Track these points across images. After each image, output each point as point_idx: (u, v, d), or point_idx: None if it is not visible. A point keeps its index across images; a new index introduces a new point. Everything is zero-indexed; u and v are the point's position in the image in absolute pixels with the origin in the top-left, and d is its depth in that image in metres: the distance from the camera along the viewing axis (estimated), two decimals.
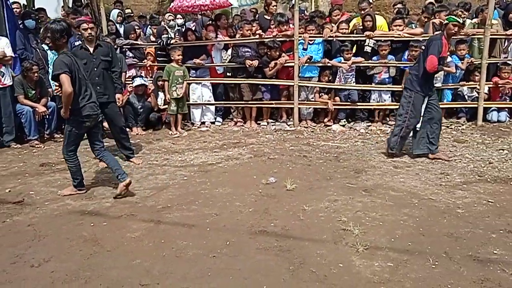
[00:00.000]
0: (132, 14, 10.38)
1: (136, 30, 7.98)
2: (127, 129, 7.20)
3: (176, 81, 7.10)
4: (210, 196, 4.36)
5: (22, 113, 6.44)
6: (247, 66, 7.25)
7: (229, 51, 7.75)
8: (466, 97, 7.12)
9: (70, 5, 8.99)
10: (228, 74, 7.77)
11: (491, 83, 6.99)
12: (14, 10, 7.23)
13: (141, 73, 7.95)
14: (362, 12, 7.45)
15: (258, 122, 7.60)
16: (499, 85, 6.96)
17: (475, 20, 7.16)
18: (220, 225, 3.72)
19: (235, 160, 5.57)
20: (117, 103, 5.55)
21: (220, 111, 8.00)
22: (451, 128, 6.84)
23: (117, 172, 4.34)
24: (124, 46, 7.74)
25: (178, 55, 7.14)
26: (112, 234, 3.57)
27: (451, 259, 3.08)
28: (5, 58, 6.27)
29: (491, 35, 6.79)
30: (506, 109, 7.11)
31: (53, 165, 5.56)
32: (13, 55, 6.48)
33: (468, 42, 7.19)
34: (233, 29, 8.04)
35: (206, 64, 7.70)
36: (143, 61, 7.96)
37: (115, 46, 7.49)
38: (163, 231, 3.60)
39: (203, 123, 7.72)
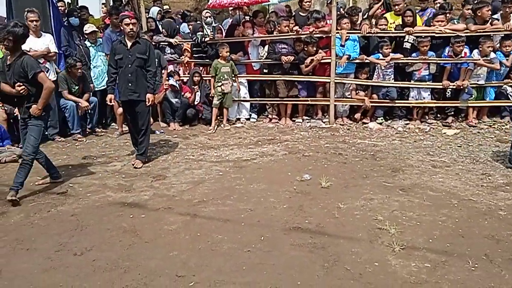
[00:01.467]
0: (170, 10, 10.58)
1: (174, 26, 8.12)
2: (166, 124, 7.47)
3: (222, 77, 7.22)
4: (244, 191, 4.41)
5: (66, 108, 6.70)
6: (283, 62, 7.24)
7: (266, 47, 7.77)
8: (509, 95, 6.83)
9: (111, 3, 9.25)
10: (264, 70, 7.79)
11: None
12: (59, 8, 7.51)
13: (179, 69, 8.09)
14: (396, 7, 7.27)
15: (293, 119, 7.58)
16: None
17: None
18: (255, 220, 3.75)
19: (269, 156, 5.59)
20: (147, 102, 5.31)
21: (255, 108, 8.04)
22: (494, 128, 6.59)
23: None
24: (162, 43, 7.89)
25: (226, 52, 7.23)
26: (150, 226, 3.68)
27: (492, 262, 2.99)
28: (50, 54, 6.53)
29: None
30: None
31: (95, 158, 5.77)
32: (57, 51, 6.74)
33: None
34: (270, 25, 8.05)
35: (242, 60, 7.75)
36: (181, 58, 8.09)
37: (153, 43, 7.69)
38: (199, 225, 3.68)
39: (238, 119, 7.78)
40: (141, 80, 5.30)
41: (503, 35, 6.78)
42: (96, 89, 7.24)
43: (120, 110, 6.88)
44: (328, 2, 8.98)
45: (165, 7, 10.33)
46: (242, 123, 7.62)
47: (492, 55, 6.67)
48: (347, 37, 7.11)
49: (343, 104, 7.39)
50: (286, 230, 3.55)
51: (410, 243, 3.27)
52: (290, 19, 7.71)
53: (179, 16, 9.76)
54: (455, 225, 3.55)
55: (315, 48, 7.17)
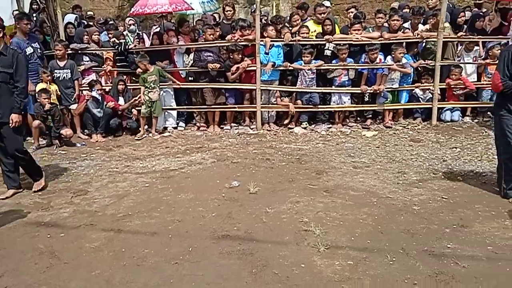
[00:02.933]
0: (94, 17, 10.17)
1: (93, 35, 7.80)
2: (87, 136, 7.14)
3: (149, 86, 7.14)
4: (172, 202, 4.33)
5: None
6: (210, 69, 7.25)
7: (191, 55, 7.72)
8: (420, 98, 7.38)
9: (28, 10, 8.67)
10: (190, 78, 7.72)
11: (444, 84, 7.27)
12: None
13: (101, 78, 7.80)
14: (318, 16, 7.58)
15: (221, 126, 7.59)
16: (452, 86, 7.26)
17: (427, 26, 7.42)
18: (183, 231, 3.69)
19: (198, 165, 5.54)
20: (11, 125, 4.42)
21: (183, 116, 7.94)
22: (408, 128, 7.06)
23: None
24: (80, 51, 7.56)
25: (144, 65, 7.11)
26: (70, 245, 3.48)
27: (408, 255, 3.18)
28: None
29: (443, 38, 7.07)
30: (459, 109, 7.41)
31: None
32: None
33: (422, 45, 7.45)
34: (195, 34, 8.02)
35: (168, 68, 7.64)
36: (102, 66, 7.80)
37: (70, 51, 7.36)
38: (123, 240, 3.54)
39: (165, 128, 7.64)
40: (5, 98, 4.44)
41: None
42: None
43: (36, 122, 6.49)
44: (252, 11, 9.15)
45: (89, 13, 9.91)
46: (169, 132, 7.48)
47: (404, 60, 7.17)
48: (271, 45, 7.27)
49: (270, 110, 7.54)
50: (215, 239, 3.53)
51: (334, 242, 3.40)
52: (216, 28, 7.74)
53: (99, 24, 9.40)
54: (375, 222, 3.74)
55: (240, 56, 7.26)
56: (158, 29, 8.51)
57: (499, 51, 7.16)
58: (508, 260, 3.05)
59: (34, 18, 8.40)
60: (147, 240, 3.53)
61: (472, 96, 7.46)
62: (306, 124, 7.41)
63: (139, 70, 7.37)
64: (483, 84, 7.36)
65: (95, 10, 12.54)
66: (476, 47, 7.43)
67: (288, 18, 8.22)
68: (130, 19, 8.38)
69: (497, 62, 7.08)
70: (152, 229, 3.72)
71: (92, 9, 11.79)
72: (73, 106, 7.24)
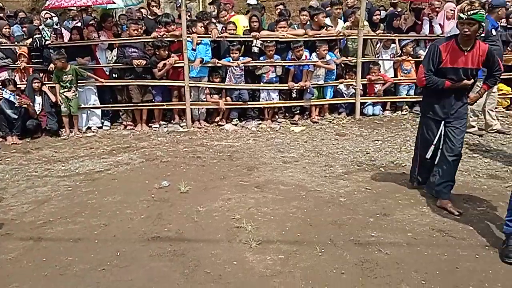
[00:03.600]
0: (4, 7, 9.39)
1: (5, 29, 7.20)
2: (1, 139, 6.59)
3: (65, 85, 6.83)
4: (98, 206, 4.13)
5: None
6: (135, 66, 7.00)
7: (115, 51, 7.41)
8: (344, 94, 7.71)
9: None
10: (114, 75, 7.40)
11: (366, 80, 7.65)
12: None
13: (15, 76, 7.22)
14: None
15: (150, 124, 7.38)
16: (372, 82, 7.65)
17: (347, 23, 7.75)
18: (110, 235, 3.54)
19: (125, 165, 5.34)
20: None
21: (108, 115, 7.60)
22: (333, 123, 7.33)
23: None
24: None
25: (61, 63, 6.73)
26: None
27: (336, 245, 3.31)
28: None
29: (363, 36, 7.43)
30: (380, 103, 7.84)
31: None
32: None
33: (344, 43, 7.77)
34: (118, 29, 7.70)
35: (90, 65, 7.27)
36: (16, 63, 7.23)
37: None
38: (44, 249, 3.32)
39: (89, 128, 7.27)
40: None
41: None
42: None
43: None
44: (178, 6, 8.99)
45: None
46: (93, 131, 7.13)
47: (328, 57, 7.43)
48: (199, 41, 7.18)
49: (199, 107, 7.46)
50: (144, 241, 3.43)
51: (265, 237, 3.44)
52: (140, 23, 7.48)
53: (8, 17, 8.70)
54: (304, 215, 3.84)
55: (167, 52, 7.10)
56: (79, 24, 8.06)
57: (411, 48, 7.68)
58: (426, 244, 3.27)
59: None
60: (71, 247, 3.34)
61: (391, 91, 7.92)
62: (236, 120, 7.43)
63: (51, 66, 6.98)
64: (400, 79, 7.84)
65: (6, 2, 11.62)
66: (393, 45, 7.88)
67: (216, 13, 8.19)
68: (47, 12, 7.84)
69: (410, 59, 7.71)
70: (76, 235, 3.53)
71: (3, 1, 10.89)
72: None
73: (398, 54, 7.82)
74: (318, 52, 7.38)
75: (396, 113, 7.78)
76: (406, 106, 7.98)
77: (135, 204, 4.14)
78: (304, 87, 7.34)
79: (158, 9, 8.25)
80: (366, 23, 7.58)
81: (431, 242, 3.32)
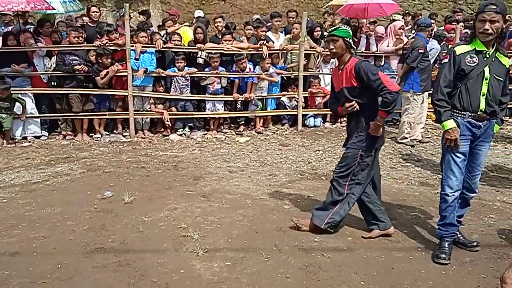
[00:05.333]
0: None
1: None
2: None
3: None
4: (36, 218, 3.96)
5: None
6: (76, 73, 6.81)
7: (54, 59, 7.15)
8: (286, 106, 7.95)
9: None
10: (53, 83, 7.13)
11: (307, 93, 7.94)
12: None
13: None
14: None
15: (91, 134, 7.17)
16: (313, 94, 7.96)
17: (288, 36, 8.04)
18: (50, 248, 3.41)
19: (65, 176, 5.16)
20: None
21: (46, 124, 7.28)
22: (277, 134, 7.54)
23: None
24: None
25: (1, 92, 6.55)
26: None
27: (281, 251, 3.41)
28: None
29: (305, 50, 7.73)
30: (320, 115, 8.16)
31: None
32: None
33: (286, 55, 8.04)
34: (58, 35, 7.45)
35: (26, 72, 6.96)
36: None
37: None
38: None
39: (25, 138, 6.92)
40: None
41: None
42: None
43: None
44: (121, 15, 8.85)
45: None
46: (29, 141, 6.80)
47: (271, 70, 7.65)
48: (144, 51, 7.12)
49: (143, 117, 7.36)
50: (88, 253, 3.34)
51: (212, 245, 3.48)
52: (80, 30, 7.29)
53: None
54: (250, 223, 3.92)
55: (110, 60, 6.97)
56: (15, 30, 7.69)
57: None
58: (365, 248, 3.47)
59: None
60: (8, 261, 3.18)
61: None
62: (181, 131, 7.41)
63: None
64: None
65: None
66: (332, 60, 8.25)
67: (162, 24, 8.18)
68: None
69: None
70: (13, 249, 3.37)
71: None
72: None
73: None
74: (261, 65, 7.57)
75: (335, 125, 8.13)
76: (345, 118, 8.35)
77: (77, 215, 4.01)
78: (249, 99, 7.49)
79: (99, 17, 8.08)
80: (308, 37, 7.90)
81: (369, 245, 3.52)
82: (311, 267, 3.18)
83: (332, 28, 3.54)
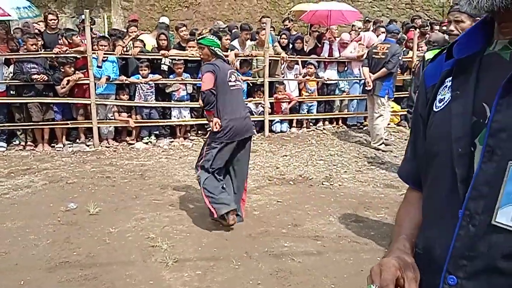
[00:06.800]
0: None
1: None
2: None
3: None
4: None
5: None
6: (35, 81, 6.58)
7: (11, 67, 6.89)
8: (253, 112, 7.98)
9: None
10: (11, 92, 6.87)
11: (273, 99, 8.01)
12: None
13: None
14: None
15: (52, 144, 6.94)
16: (279, 100, 8.04)
17: (253, 42, 8.10)
18: (11, 264, 3.28)
19: (26, 188, 4.97)
20: None
21: (4, 135, 6.99)
22: None
23: None
24: None
25: None
26: None
27: (251, 258, 3.42)
28: None
29: (269, 57, 7.80)
30: (287, 121, 8.25)
31: None
32: None
33: (251, 62, 8.08)
34: (15, 43, 7.18)
35: None
36: None
37: None
38: None
39: None
40: None
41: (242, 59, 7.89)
42: None
43: None
44: (80, 21, 8.64)
45: None
46: None
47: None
48: (105, 58, 6.98)
49: (107, 125, 7.20)
50: (52, 268, 3.23)
51: (182, 255, 3.44)
52: (38, 37, 7.06)
53: None
54: (220, 230, 3.91)
55: (72, 69, 6.79)
56: None
57: (310, 69, 8.21)
58: (334, 251, 3.53)
59: None
60: None
61: (296, 109, 8.38)
62: (147, 139, 7.30)
63: None
64: (304, 98, 8.33)
65: None
66: (296, 66, 8.38)
67: (125, 30, 8.06)
68: None
69: (312, 78, 8.25)
70: None
71: None
72: None
73: (302, 75, 8.33)
74: None
75: (301, 130, 8.23)
76: (311, 123, 8.49)
77: (39, 229, 3.88)
78: None
79: (57, 24, 7.86)
80: (277, 44, 7.98)
81: (338, 248, 3.58)
82: (281, 272, 3.20)
83: (200, 37, 4.14)
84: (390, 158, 6.42)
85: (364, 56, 7.54)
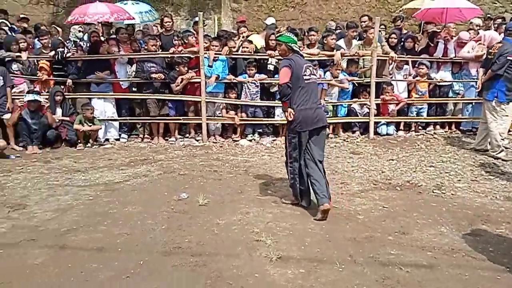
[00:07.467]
0: (28, 18, 9.63)
1: (20, 42, 7.34)
2: (22, 148, 6.72)
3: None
4: (119, 215, 4.20)
5: None
6: (154, 79, 7.16)
7: (134, 66, 7.58)
8: (357, 113, 7.79)
9: None
10: (133, 89, 7.58)
11: (379, 100, 7.73)
12: None
13: (35, 87, 7.39)
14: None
15: (166, 138, 7.50)
16: (386, 102, 7.73)
17: (360, 42, 7.88)
18: (132, 245, 3.60)
19: (144, 177, 5.42)
20: None
21: (125, 127, 7.74)
22: (347, 141, 7.40)
23: None
24: (7, 58, 7.15)
25: (90, 113, 7.01)
26: (11, 262, 3.27)
27: (356, 262, 3.34)
28: None
29: (377, 56, 7.53)
30: (393, 123, 7.90)
31: None
32: None
33: (357, 61, 7.87)
34: (137, 44, 7.89)
35: (109, 79, 7.44)
36: (37, 75, 7.40)
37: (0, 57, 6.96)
38: (69, 256, 3.39)
39: (107, 139, 7.40)
40: None
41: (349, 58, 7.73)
42: None
43: None
44: (193, 23, 9.17)
45: (21, 15, 9.42)
46: (111, 143, 7.26)
47: (341, 76, 7.55)
48: (216, 58, 7.33)
49: (215, 122, 7.57)
50: (166, 252, 3.48)
51: (285, 251, 3.48)
52: (157, 38, 7.67)
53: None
54: (323, 231, 3.88)
55: (186, 68, 7.25)
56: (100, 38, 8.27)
57: (422, 69, 7.73)
58: (447, 264, 3.29)
59: None
60: (95, 255, 3.40)
61: (404, 111, 7.99)
62: (251, 136, 7.52)
63: (69, 82, 7.17)
64: (413, 100, 7.91)
65: (28, 15, 11.90)
66: (405, 66, 7.98)
67: (236, 31, 8.39)
68: (80, 26, 8.14)
69: (423, 80, 7.78)
70: (100, 244, 3.59)
71: (25, 14, 11.18)
72: (6, 116, 6.79)
73: (412, 75, 7.91)
74: (331, 72, 7.50)
75: (410, 133, 7.83)
76: (420, 127, 8.04)
77: (156, 215, 4.20)
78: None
79: (172, 26, 8.40)
80: (385, 43, 7.70)
81: (452, 262, 3.33)
82: (388, 280, 3.08)
83: (278, 35, 4.64)
84: (511, 168, 5.82)
85: (484, 57, 6.93)
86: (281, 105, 7.32)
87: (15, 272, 3.12)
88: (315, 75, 4.41)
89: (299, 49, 4.40)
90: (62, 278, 3.05)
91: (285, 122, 4.55)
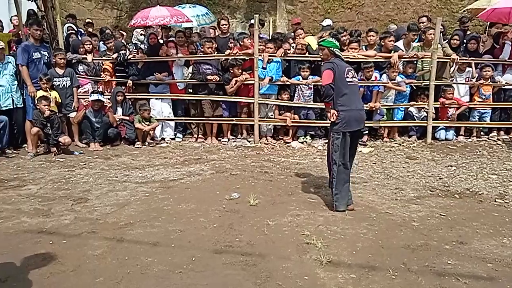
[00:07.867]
0: (92, 23, 10.19)
1: (86, 45, 7.76)
2: (85, 145, 7.14)
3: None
4: (173, 212, 4.33)
5: None
6: (209, 81, 7.33)
7: (190, 68, 7.79)
8: (414, 116, 7.53)
9: (26, 17, 8.67)
10: (189, 90, 7.80)
11: (438, 103, 7.43)
12: None
13: (99, 88, 7.80)
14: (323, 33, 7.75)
15: (219, 138, 7.64)
16: (446, 105, 7.42)
17: (419, 43, 7.60)
18: (185, 241, 3.70)
19: (197, 176, 5.56)
20: None
21: (180, 127, 7.97)
22: (403, 146, 7.17)
23: None
24: (74, 60, 7.59)
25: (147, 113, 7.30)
26: (73, 252, 3.47)
27: (409, 270, 3.23)
28: None
29: (438, 58, 7.24)
30: (453, 128, 7.56)
31: (6, 181, 5.32)
32: None
33: (416, 63, 7.61)
34: (194, 46, 8.10)
35: (166, 80, 7.70)
36: (101, 76, 7.81)
37: (68, 59, 7.39)
38: (126, 248, 3.54)
39: (163, 139, 7.66)
40: None
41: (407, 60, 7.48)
42: (3, 108, 6.72)
43: (35, 130, 6.48)
44: (249, 25, 9.28)
45: (87, 20, 10.00)
46: (167, 142, 7.50)
47: (398, 78, 7.32)
48: (270, 60, 7.38)
49: (267, 123, 7.61)
50: (217, 250, 3.55)
51: (336, 255, 3.44)
52: (213, 41, 7.83)
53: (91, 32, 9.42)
54: (375, 237, 3.79)
55: (240, 70, 7.36)
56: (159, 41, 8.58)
57: (487, 72, 7.34)
58: (509, 278, 3.10)
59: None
60: (150, 249, 3.53)
61: (465, 116, 7.63)
62: (303, 138, 7.49)
63: (129, 83, 7.47)
64: (475, 104, 7.53)
65: (93, 19, 12.57)
66: (468, 68, 7.62)
67: (292, 34, 8.40)
68: (142, 30, 8.53)
69: (488, 83, 7.38)
70: (154, 238, 3.72)
71: (91, 18, 11.83)
72: (72, 114, 7.24)
73: (475, 78, 7.54)
74: (388, 74, 7.30)
75: (470, 139, 7.46)
76: (482, 132, 7.64)
77: (208, 213, 4.30)
78: (374, 108, 7.27)
79: (228, 28, 8.54)
80: (446, 45, 7.40)
81: None
82: None
83: (320, 40, 4.79)
84: None
85: None
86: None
87: (76, 261, 3.31)
88: (356, 77, 4.57)
89: (341, 54, 4.55)
90: (119, 270, 3.19)
91: None
